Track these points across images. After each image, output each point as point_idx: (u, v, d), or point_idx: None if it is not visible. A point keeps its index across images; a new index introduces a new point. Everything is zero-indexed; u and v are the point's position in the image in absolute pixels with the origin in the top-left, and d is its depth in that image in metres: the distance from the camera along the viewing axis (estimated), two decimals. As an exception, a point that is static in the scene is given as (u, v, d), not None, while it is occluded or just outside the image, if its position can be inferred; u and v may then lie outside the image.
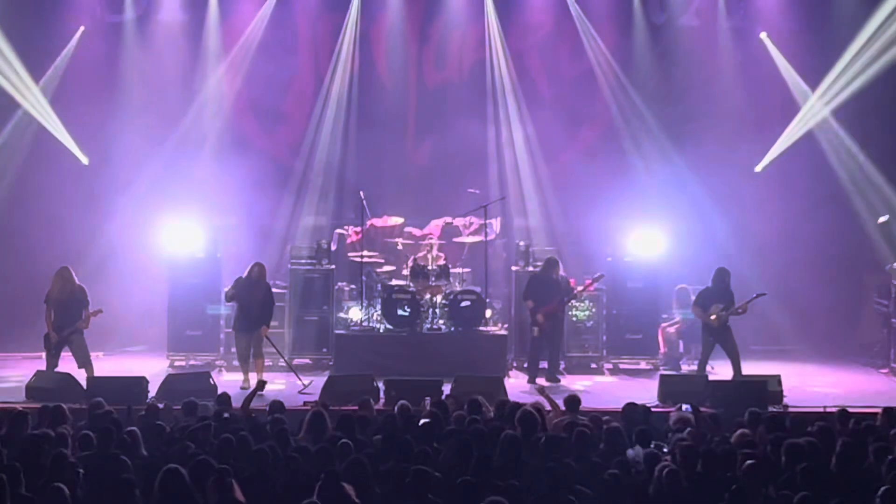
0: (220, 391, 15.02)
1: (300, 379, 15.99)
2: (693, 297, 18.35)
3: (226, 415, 12.05)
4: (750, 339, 18.72)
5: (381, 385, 15.03)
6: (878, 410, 12.28)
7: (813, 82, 19.67)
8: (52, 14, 19.82)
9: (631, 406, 12.15)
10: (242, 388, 15.53)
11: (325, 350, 18.09)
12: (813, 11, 19.88)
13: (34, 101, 19.63)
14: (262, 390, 14.01)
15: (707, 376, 15.98)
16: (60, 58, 19.84)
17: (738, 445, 10.40)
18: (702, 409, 12.97)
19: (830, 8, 19.82)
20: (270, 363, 16.94)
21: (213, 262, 18.20)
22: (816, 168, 19.92)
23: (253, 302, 16.27)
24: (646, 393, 15.40)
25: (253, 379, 15.69)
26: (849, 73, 19.28)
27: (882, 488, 8.93)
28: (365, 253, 18.72)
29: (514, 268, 18.52)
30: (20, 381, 15.76)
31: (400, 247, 18.87)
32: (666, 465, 9.43)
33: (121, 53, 20.20)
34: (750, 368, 16.40)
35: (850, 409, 12.45)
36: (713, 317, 16.28)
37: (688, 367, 18.10)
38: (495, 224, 19.40)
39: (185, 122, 19.99)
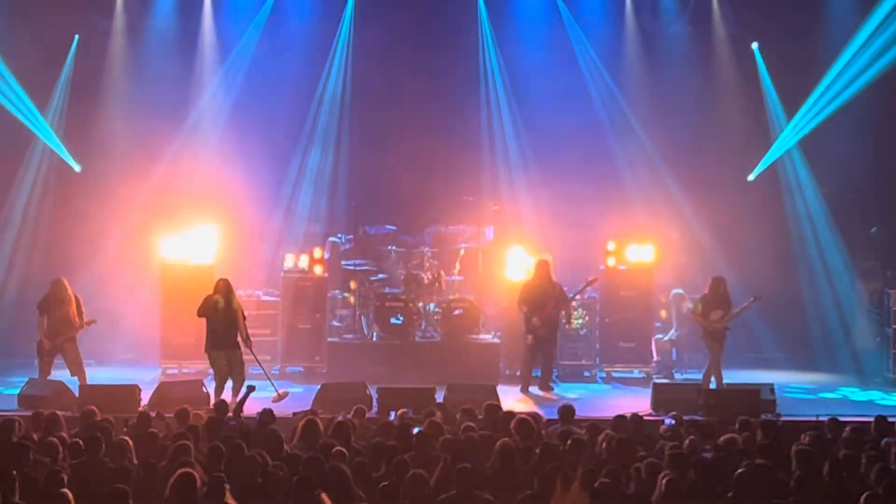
0: (213, 400, 15.10)
1: (275, 388, 15.71)
2: (690, 304, 18.43)
3: (233, 422, 12.05)
4: (743, 347, 18.75)
5: (374, 393, 15.01)
6: (870, 420, 12.32)
7: (804, 91, 19.67)
8: (45, 22, 19.78)
9: (620, 419, 12.10)
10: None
11: (317, 358, 18.07)
12: (806, 19, 19.89)
13: (26, 110, 19.61)
14: (249, 394, 13.89)
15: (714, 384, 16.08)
16: (60, 66, 19.87)
17: (729, 453, 10.40)
18: (689, 417, 12.97)
19: (823, 15, 19.85)
20: (263, 370, 16.89)
21: (206, 269, 18.17)
22: (808, 176, 19.95)
23: (218, 319, 15.57)
24: (639, 401, 15.40)
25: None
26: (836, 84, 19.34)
27: (865, 493, 8.94)
28: (358, 261, 18.71)
29: (507, 276, 18.51)
30: (13, 389, 15.73)
31: (393, 255, 18.87)
32: (665, 475, 9.42)
33: (114, 60, 20.20)
34: (743, 377, 16.43)
35: (843, 419, 12.45)
36: (717, 320, 16.30)
37: (681, 376, 18.14)
38: (489, 232, 19.40)
39: (178, 130, 19.99)
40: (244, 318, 15.83)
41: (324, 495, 8.90)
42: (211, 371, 16.09)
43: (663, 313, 18.95)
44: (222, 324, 15.48)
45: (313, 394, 15.08)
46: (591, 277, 17.76)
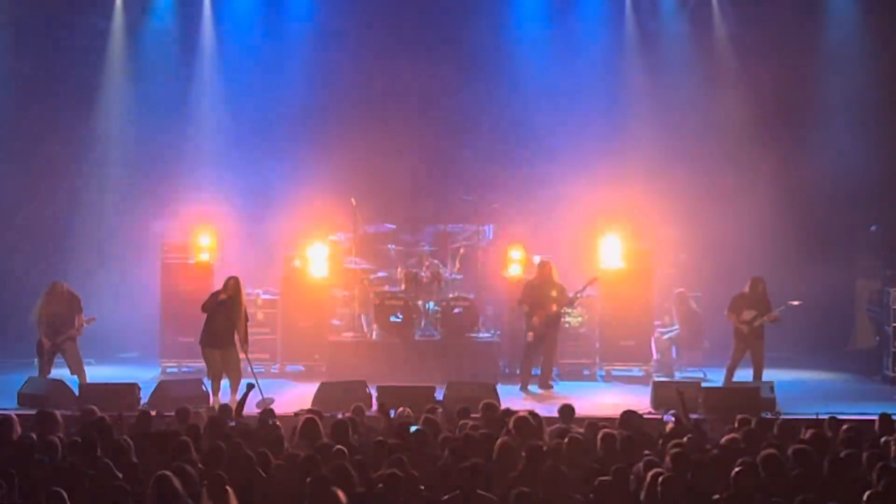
0: (212, 398, 15.11)
1: (261, 392, 15.30)
2: (692, 302, 18.44)
3: (232, 422, 12.04)
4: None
5: (373, 392, 15.01)
6: (870, 418, 12.31)
7: (803, 88, 19.65)
8: (44, 21, 19.78)
9: (629, 414, 12.11)
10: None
11: (317, 357, 18.07)
12: (805, 16, 19.86)
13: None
14: (249, 393, 13.87)
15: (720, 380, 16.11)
16: (58, 66, 19.89)
17: (728, 452, 10.40)
18: (689, 415, 12.98)
19: (822, 13, 19.84)
20: (263, 369, 16.88)
21: (206, 268, 18.19)
22: (810, 174, 19.95)
23: (221, 317, 15.51)
24: (639, 400, 15.40)
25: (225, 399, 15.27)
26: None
27: (867, 492, 8.95)
28: (357, 259, 18.71)
29: (506, 274, 18.51)
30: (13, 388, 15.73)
31: (392, 253, 18.86)
32: (661, 473, 9.41)
33: (113, 60, 20.19)
34: (743, 375, 16.42)
35: (842, 417, 12.44)
36: (744, 322, 16.25)
37: (681, 374, 18.14)
38: (488, 231, 19.39)
39: (177, 129, 19.99)
40: (247, 319, 15.82)
41: (340, 492, 8.90)
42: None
43: (666, 318, 18.94)
44: (224, 322, 15.46)
45: (313, 392, 15.07)
46: (591, 277, 17.79)
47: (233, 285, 15.58)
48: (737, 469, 9.39)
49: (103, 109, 20.11)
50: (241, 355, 15.55)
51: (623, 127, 20.26)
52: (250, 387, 13.82)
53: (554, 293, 17.11)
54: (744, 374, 16.51)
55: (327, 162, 20.30)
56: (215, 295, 15.61)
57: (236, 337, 15.59)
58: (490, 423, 11.75)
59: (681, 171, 20.00)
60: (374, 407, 14.42)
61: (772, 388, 15.21)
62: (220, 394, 15.40)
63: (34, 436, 11.02)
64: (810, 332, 19.60)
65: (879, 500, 8.84)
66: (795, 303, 16.78)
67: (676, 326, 18.59)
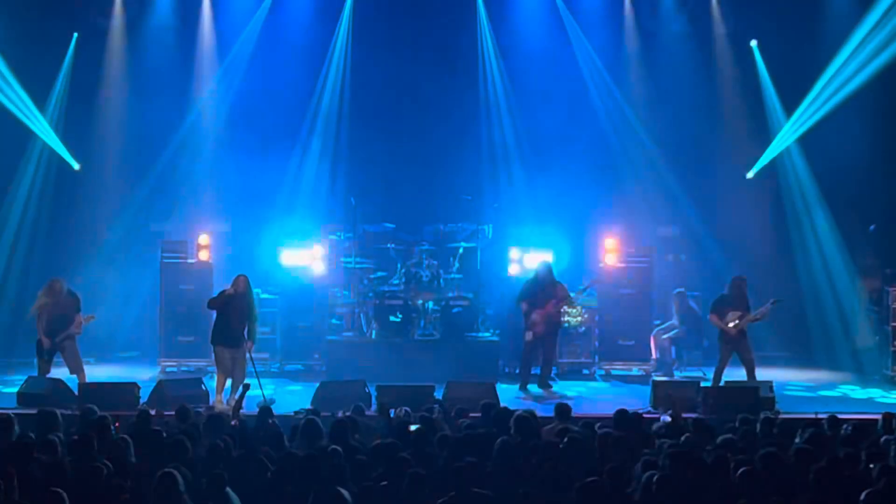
0: (213, 397, 15.12)
1: (263, 393, 15.36)
2: (692, 302, 18.44)
3: (234, 422, 12.03)
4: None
5: (373, 391, 15.00)
6: (870, 418, 12.31)
7: (803, 88, 19.64)
8: (44, 21, 19.77)
9: (622, 413, 12.11)
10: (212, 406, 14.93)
11: (316, 356, 18.07)
12: (805, 16, 19.85)
13: (25, 108, 19.58)
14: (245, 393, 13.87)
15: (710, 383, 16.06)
16: (59, 64, 19.87)
17: (727, 451, 10.39)
18: (687, 415, 12.98)
19: (822, 12, 19.83)
20: (264, 368, 16.86)
21: (205, 268, 18.20)
22: (807, 174, 19.96)
23: (232, 315, 15.54)
24: (638, 399, 15.40)
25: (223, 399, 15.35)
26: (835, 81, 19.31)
27: (865, 491, 8.94)
28: (357, 259, 18.71)
29: (506, 274, 18.51)
30: (13, 387, 15.73)
31: (392, 253, 18.86)
32: (656, 472, 9.40)
33: (113, 58, 20.19)
34: (742, 374, 16.41)
35: (842, 417, 12.44)
36: (731, 324, 16.22)
37: (680, 374, 18.14)
38: (488, 230, 19.38)
39: (177, 128, 19.99)
40: (256, 319, 15.80)
41: (343, 491, 8.90)
42: (210, 369, 16.07)
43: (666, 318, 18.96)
44: (237, 321, 15.44)
45: (312, 392, 15.07)
46: (592, 279, 17.83)
47: (243, 282, 15.59)
48: (736, 469, 9.39)
49: (103, 108, 20.09)
50: (249, 349, 15.59)
51: (623, 126, 20.25)
52: (246, 387, 13.82)
53: (553, 293, 17.11)
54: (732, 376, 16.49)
55: (327, 161, 20.32)
56: (225, 293, 15.62)
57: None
58: (489, 423, 11.75)
59: (681, 169, 20.01)
60: (374, 406, 14.45)
61: (771, 388, 15.21)
62: (222, 393, 15.38)
63: (33, 435, 11.02)
64: (809, 332, 19.61)
65: (879, 500, 8.83)
66: (776, 301, 16.73)
67: (676, 326, 18.59)
